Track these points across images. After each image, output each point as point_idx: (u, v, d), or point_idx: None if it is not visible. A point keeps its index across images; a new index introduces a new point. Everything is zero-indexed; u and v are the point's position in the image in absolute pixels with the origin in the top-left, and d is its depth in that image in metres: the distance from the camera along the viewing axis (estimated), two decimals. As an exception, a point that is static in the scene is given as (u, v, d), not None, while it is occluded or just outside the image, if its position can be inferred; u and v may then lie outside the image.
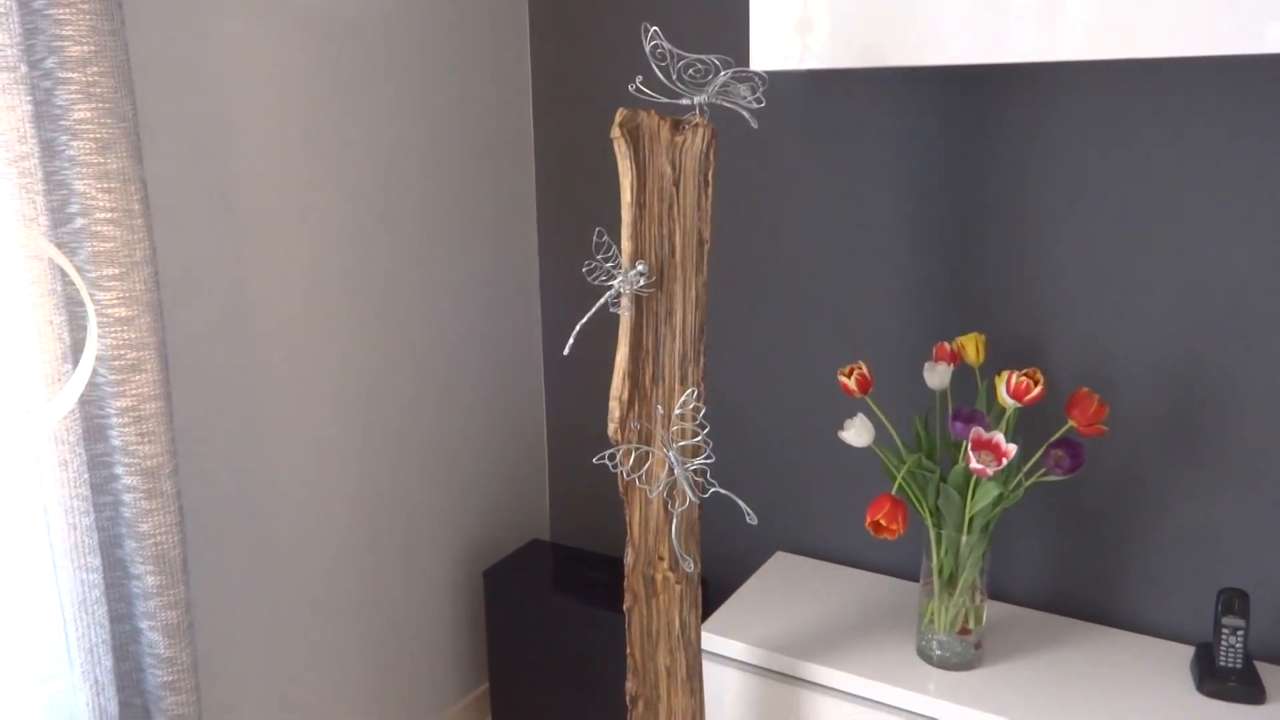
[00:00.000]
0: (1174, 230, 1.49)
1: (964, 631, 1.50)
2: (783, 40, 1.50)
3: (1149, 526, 1.58)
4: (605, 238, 1.35)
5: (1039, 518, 1.67)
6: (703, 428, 1.30)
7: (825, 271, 1.77)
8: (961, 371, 1.62)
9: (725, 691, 1.62)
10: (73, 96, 1.15)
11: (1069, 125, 1.53)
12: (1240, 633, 1.44)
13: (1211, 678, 1.44)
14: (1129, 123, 1.49)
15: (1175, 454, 1.54)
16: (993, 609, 1.69)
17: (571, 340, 1.27)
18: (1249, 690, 1.42)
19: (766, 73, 1.58)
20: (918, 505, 1.46)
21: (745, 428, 1.91)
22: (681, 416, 1.30)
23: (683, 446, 1.30)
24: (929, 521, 1.47)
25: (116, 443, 1.26)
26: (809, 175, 1.75)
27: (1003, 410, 1.42)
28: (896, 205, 1.69)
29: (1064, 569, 1.66)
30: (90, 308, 0.96)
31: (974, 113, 1.59)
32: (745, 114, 1.30)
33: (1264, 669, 1.50)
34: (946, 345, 1.53)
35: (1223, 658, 1.45)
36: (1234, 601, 1.44)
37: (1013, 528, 1.69)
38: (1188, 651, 1.55)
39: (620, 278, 1.28)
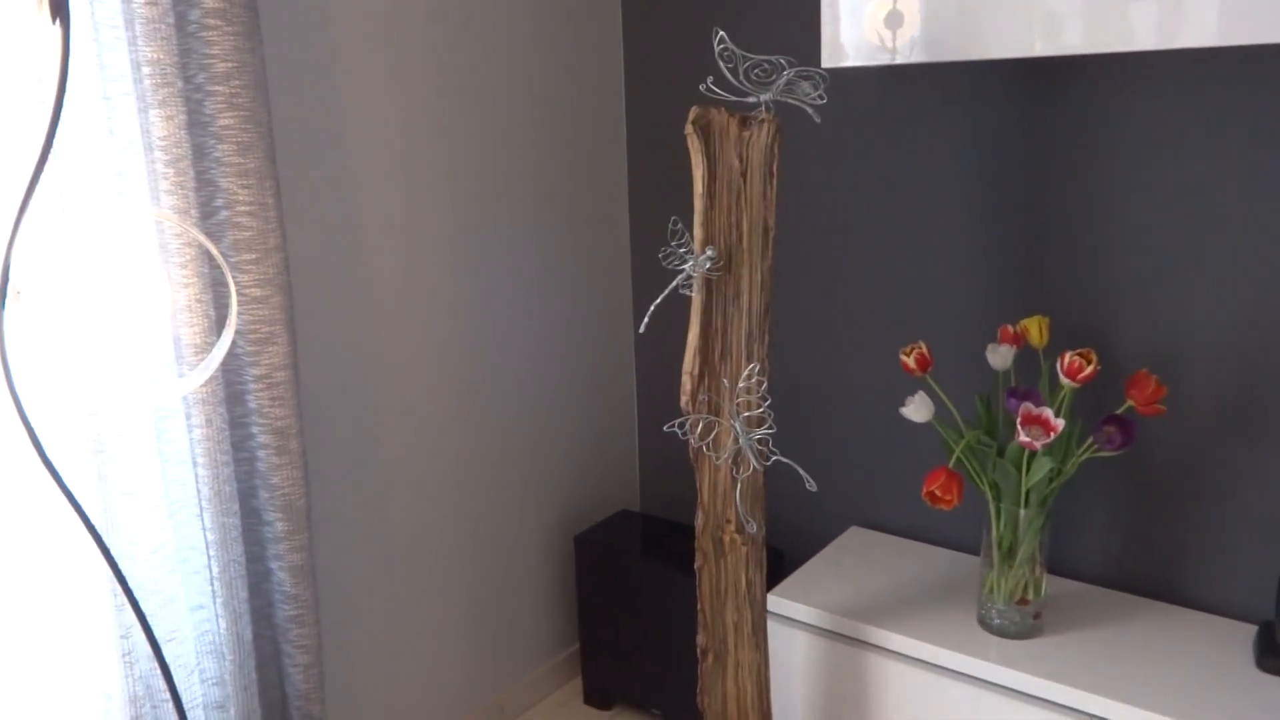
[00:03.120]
0: (1237, 215, 1.51)
1: (1023, 602, 1.56)
2: (858, 38, 1.58)
3: (1213, 506, 1.61)
4: (679, 225, 1.47)
5: (1104, 496, 1.71)
6: (765, 400, 1.41)
7: (892, 257, 1.85)
8: (1027, 355, 1.68)
9: (793, 652, 1.72)
10: (219, 106, 1.34)
11: (1133, 114, 1.57)
12: (1302, 612, 1.46)
13: (1272, 655, 1.47)
14: (1194, 111, 1.52)
15: (1239, 435, 1.57)
16: (1056, 584, 1.75)
17: (646, 319, 1.40)
18: (1309, 668, 1.45)
19: (831, 70, 1.67)
20: (976, 479, 1.54)
21: (818, 407, 2.00)
22: (746, 390, 1.42)
23: (747, 417, 1.42)
24: (988, 495, 1.54)
25: (252, 405, 1.46)
26: (875, 166, 1.83)
27: (1062, 390, 1.48)
28: (961, 193, 1.75)
29: (1128, 547, 1.70)
30: (233, 288, 1.14)
31: (1037, 103, 1.65)
32: (809, 109, 1.40)
33: (1328, 649, 1.52)
34: (1010, 328, 1.59)
35: (1284, 636, 1.47)
36: (1296, 581, 1.46)
37: (1078, 505, 1.74)
38: (1250, 630, 1.58)
39: (691, 262, 1.40)
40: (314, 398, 1.67)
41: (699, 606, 1.54)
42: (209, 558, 1.43)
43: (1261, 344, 1.53)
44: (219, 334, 1.39)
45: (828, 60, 1.61)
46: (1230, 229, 1.52)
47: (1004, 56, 1.45)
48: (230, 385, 1.46)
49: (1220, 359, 1.57)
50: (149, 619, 1.38)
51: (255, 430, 1.47)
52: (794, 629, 1.71)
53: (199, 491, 1.40)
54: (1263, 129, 1.47)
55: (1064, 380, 1.45)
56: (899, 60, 1.55)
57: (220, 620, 1.44)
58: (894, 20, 1.55)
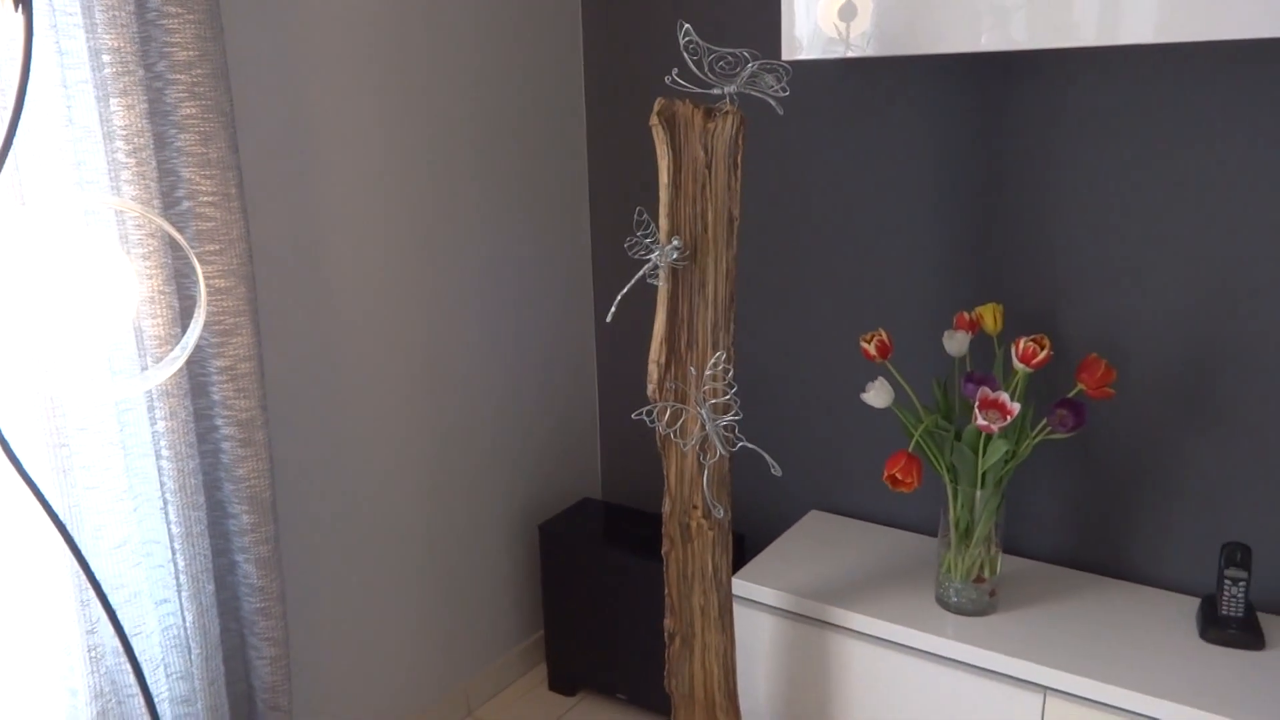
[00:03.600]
0: (1182, 206, 1.57)
1: (979, 580, 1.61)
2: (813, 31, 1.61)
3: (1158, 485, 1.68)
4: (645, 216, 1.48)
5: (1056, 478, 1.77)
6: (731, 387, 1.44)
7: (852, 246, 1.88)
8: (982, 341, 1.73)
9: (758, 634, 1.76)
10: (180, 95, 1.33)
11: (1085, 108, 1.62)
12: (1242, 584, 1.53)
13: (1214, 626, 1.54)
14: (1142, 105, 1.57)
15: (1183, 417, 1.63)
16: (1010, 563, 1.80)
17: (614, 309, 1.42)
18: (1249, 637, 1.51)
19: (798, 62, 1.69)
20: (935, 462, 1.58)
21: (780, 394, 2.03)
22: (713, 377, 1.44)
23: (713, 404, 1.44)
24: (946, 478, 1.58)
25: (216, 397, 1.44)
26: (836, 157, 1.87)
27: (1016, 375, 1.53)
28: (918, 184, 1.79)
29: (1079, 526, 1.77)
30: (201, 278, 1.13)
31: (993, 97, 1.69)
32: (772, 101, 1.43)
33: (1266, 620, 1.59)
34: (966, 315, 1.64)
35: (1225, 607, 1.54)
36: (1236, 554, 1.53)
37: (1031, 487, 1.80)
38: (1194, 603, 1.64)
39: (658, 252, 1.41)
40: (278, 389, 1.66)
41: (666, 591, 1.57)
42: (174, 551, 1.41)
43: (1205, 331, 1.59)
44: (182, 325, 1.38)
45: (787, 53, 1.64)
46: (1176, 219, 1.58)
47: (952, 51, 1.49)
48: (194, 377, 1.44)
49: (1165, 345, 1.63)
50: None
51: (220, 422, 1.46)
52: (758, 611, 1.75)
53: (163, 485, 1.39)
54: (1206, 122, 1.53)
55: (1018, 365, 1.49)
56: (852, 53, 1.58)
57: (186, 614, 1.43)
58: (848, 13, 1.58)
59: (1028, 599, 1.68)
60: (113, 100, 1.26)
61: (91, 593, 1.30)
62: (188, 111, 1.34)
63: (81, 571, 1.15)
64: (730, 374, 1.44)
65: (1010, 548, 1.84)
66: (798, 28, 1.62)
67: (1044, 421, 1.53)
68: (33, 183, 1.23)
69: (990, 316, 1.63)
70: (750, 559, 2.00)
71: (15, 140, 1.13)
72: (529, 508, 2.22)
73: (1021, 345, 1.47)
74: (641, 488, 2.33)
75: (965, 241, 1.77)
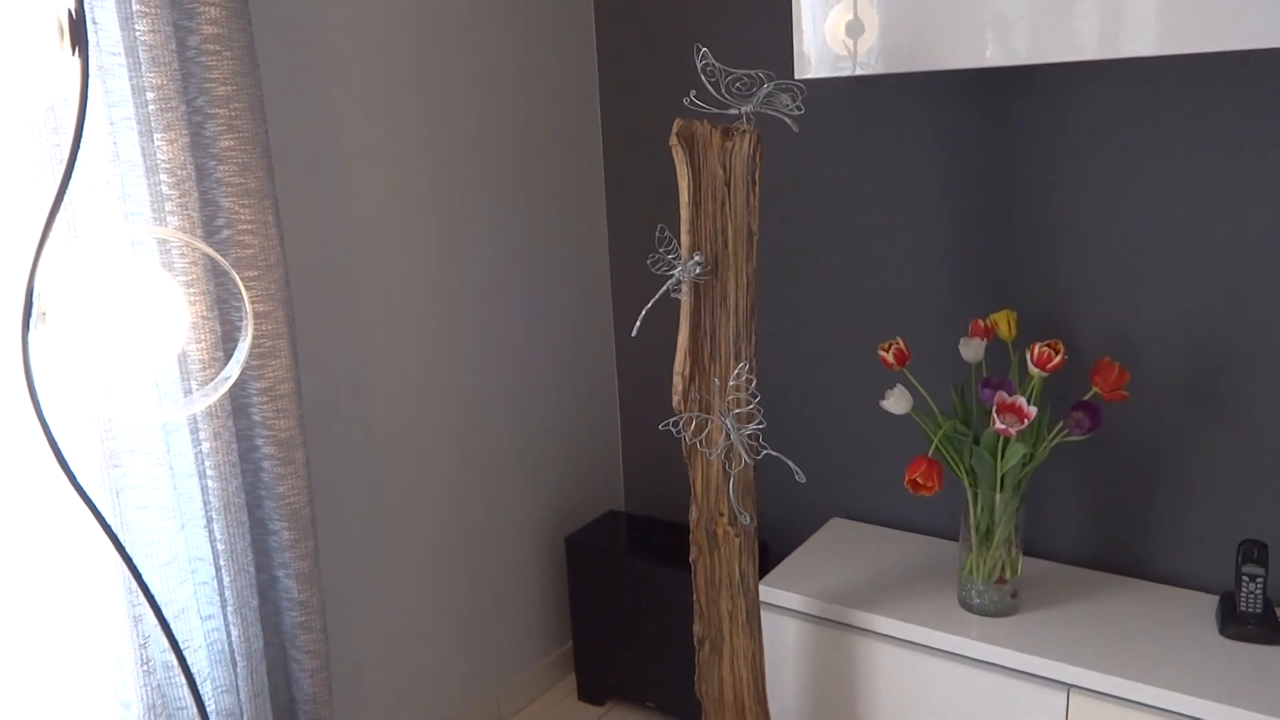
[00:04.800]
0: (1187, 209, 1.61)
1: (1000, 581, 1.64)
2: (825, 51, 1.66)
3: (1176, 485, 1.71)
4: (666, 233, 1.53)
5: (1074, 480, 1.80)
6: (754, 397, 1.48)
7: (868, 258, 1.93)
8: (997, 347, 1.77)
9: (785, 638, 1.79)
10: (219, 129, 1.39)
11: (1094, 117, 1.66)
12: (1260, 580, 1.56)
13: (1233, 622, 1.57)
14: (1151, 113, 1.62)
15: (1197, 416, 1.67)
16: (1032, 565, 1.84)
17: (639, 323, 1.46)
18: (1267, 632, 1.54)
19: (808, 80, 1.74)
20: (954, 467, 1.62)
21: (801, 403, 2.08)
22: (736, 388, 1.48)
23: (737, 414, 1.49)
24: (966, 481, 1.62)
25: (257, 418, 1.50)
26: (851, 172, 1.91)
27: (1032, 379, 1.57)
28: (933, 196, 1.84)
29: (1099, 527, 1.80)
30: (247, 302, 1.18)
31: (999, 110, 1.74)
32: (787, 120, 1.47)
33: (1285, 614, 1.62)
34: (980, 322, 1.68)
35: (1243, 603, 1.57)
36: (1254, 551, 1.56)
37: (1050, 489, 1.83)
38: (1212, 600, 1.67)
39: (680, 267, 1.46)
40: (316, 409, 1.71)
41: (694, 597, 1.61)
42: (218, 568, 1.46)
43: (1215, 331, 1.63)
44: (224, 350, 1.43)
45: (799, 72, 1.69)
46: (1181, 222, 1.62)
47: (958, 67, 1.53)
48: (236, 399, 1.49)
49: (1176, 346, 1.66)
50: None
51: (260, 442, 1.51)
52: (784, 616, 1.78)
53: (207, 503, 1.44)
54: (1207, 129, 1.57)
55: (1033, 370, 1.53)
56: (860, 71, 1.62)
57: (231, 629, 1.48)
58: (854, 30, 1.62)
59: (1049, 599, 1.71)
60: (156, 135, 1.32)
61: (144, 608, 1.35)
62: (226, 144, 1.39)
63: (137, 587, 1.19)
64: (753, 384, 1.48)
65: (1031, 550, 1.87)
66: (806, 46, 1.67)
67: (1061, 424, 1.56)
68: (83, 215, 1.28)
69: (1005, 323, 1.67)
70: (774, 565, 2.04)
71: (73, 177, 1.19)
72: (555, 520, 2.26)
73: (1036, 350, 1.51)
74: (665, 499, 2.37)
75: (978, 250, 1.81)
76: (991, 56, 1.51)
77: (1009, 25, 1.49)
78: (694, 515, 1.57)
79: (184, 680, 1.29)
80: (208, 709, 1.50)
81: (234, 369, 1.16)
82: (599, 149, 2.25)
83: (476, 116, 1.95)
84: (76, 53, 1.05)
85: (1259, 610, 1.56)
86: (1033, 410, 1.44)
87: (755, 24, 1.96)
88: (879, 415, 1.98)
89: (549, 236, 2.15)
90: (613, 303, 2.33)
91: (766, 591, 1.79)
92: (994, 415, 1.46)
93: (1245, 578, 1.56)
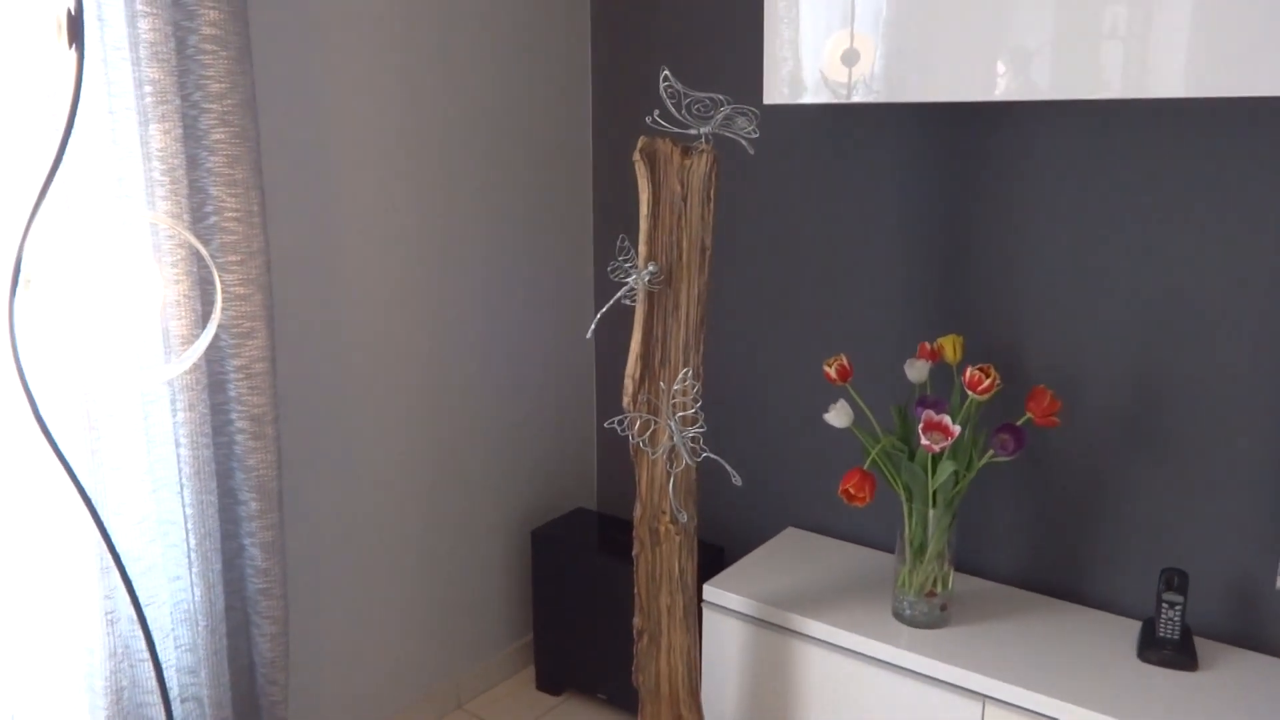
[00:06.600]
0: (1132, 248, 1.68)
1: (931, 594, 1.71)
2: (790, 78, 1.74)
3: (1106, 512, 1.77)
4: (625, 242, 1.62)
5: (1010, 502, 1.87)
6: (697, 401, 1.56)
7: (823, 277, 2.01)
8: (944, 370, 1.84)
9: (727, 638, 1.87)
10: (211, 122, 1.49)
11: (1044, 154, 1.74)
12: (1178, 608, 1.61)
13: (1150, 647, 1.63)
14: (1096, 153, 1.69)
15: (1130, 447, 1.73)
16: (965, 582, 1.90)
17: (593, 325, 1.55)
18: (1182, 658, 1.60)
19: (771, 106, 1.82)
20: (892, 481, 1.69)
21: (759, 416, 2.15)
22: (681, 391, 1.57)
23: (681, 417, 1.57)
24: (902, 496, 1.69)
25: (232, 393, 1.60)
26: (807, 193, 2.00)
27: (968, 402, 1.64)
28: (888, 221, 1.92)
29: (1033, 549, 1.86)
30: (219, 286, 1.28)
31: (958, 141, 1.82)
32: (743, 142, 1.56)
33: (1202, 644, 1.67)
34: (928, 345, 1.75)
35: (1162, 629, 1.63)
36: (1174, 579, 1.62)
37: (989, 510, 1.90)
38: (1136, 625, 1.73)
39: (635, 275, 1.55)
40: (289, 388, 1.81)
41: (635, 591, 1.69)
42: (187, 531, 1.56)
43: (1147, 364, 1.69)
44: (203, 328, 1.53)
45: (769, 97, 1.77)
46: (1124, 262, 1.69)
47: (946, 100, 1.55)
48: (213, 374, 1.60)
49: (1112, 378, 1.73)
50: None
51: (234, 416, 1.61)
52: (727, 617, 1.86)
53: (180, 470, 1.54)
54: (1153, 171, 1.64)
55: (969, 392, 1.60)
56: (844, 99, 1.67)
57: (195, 589, 1.58)
58: (849, 58, 1.69)
59: (979, 615, 1.77)
60: (152, 125, 1.42)
61: (111, 561, 1.45)
62: (218, 137, 1.50)
63: (103, 541, 1.29)
64: (697, 389, 1.56)
65: (967, 567, 1.94)
66: (774, 75, 1.73)
67: (988, 445, 1.63)
68: (79, 195, 1.39)
69: (950, 347, 1.74)
70: (728, 570, 2.11)
71: (64, 158, 1.29)
72: (525, 514, 2.35)
73: (969, 374, 1.58)
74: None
75: (931, 275, 1.89)
76: (971, 92, 1.50)
77: (1027, 57, 1.46)
78: (638, 512, 1.65)
79: (140, 631, 1.39)
80: (170, 663, 1.60)
81: (198, 345, 1.26)
82: (589, 158, 2.35)
83: (466, 118, 2.05)
84: (73, 47, 1.16)
85: (1176, 637, 1.62)
86: (957, 428, 1.52)
87: (748, 45, 2.05)
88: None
89: (533, 236, 2.25)
90: (595, 306, 2.42)
91: (712, 592, 1.87)
92: (920, 431, 1.54)
93: (1165, 604, 1.62)
